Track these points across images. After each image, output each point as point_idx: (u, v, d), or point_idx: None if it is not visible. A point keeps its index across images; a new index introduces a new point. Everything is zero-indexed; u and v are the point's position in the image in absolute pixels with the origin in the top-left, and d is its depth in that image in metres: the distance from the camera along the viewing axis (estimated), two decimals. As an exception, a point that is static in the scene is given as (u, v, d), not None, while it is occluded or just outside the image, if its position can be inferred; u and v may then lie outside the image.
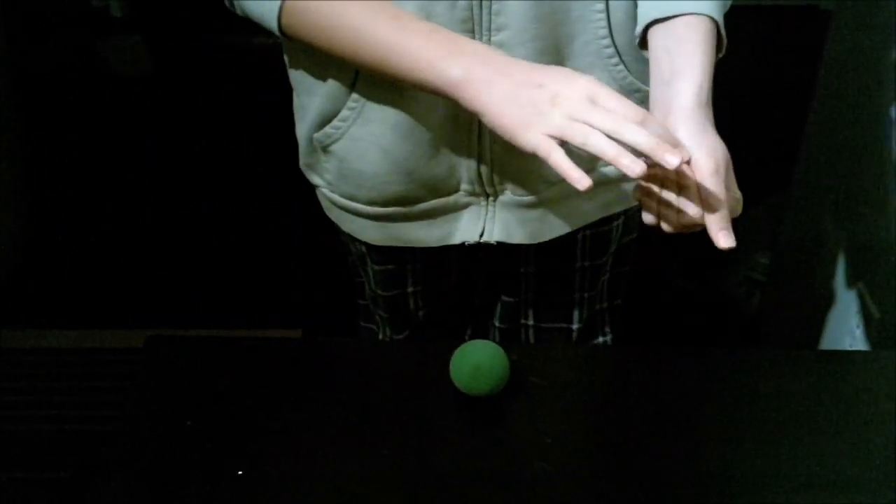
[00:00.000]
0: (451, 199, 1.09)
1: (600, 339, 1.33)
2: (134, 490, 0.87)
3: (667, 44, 0.89)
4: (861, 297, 1.49)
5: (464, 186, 1.08)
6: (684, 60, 0.88)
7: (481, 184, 1.07)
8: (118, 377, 2.00)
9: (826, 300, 1.63)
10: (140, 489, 0.87)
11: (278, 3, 0.92)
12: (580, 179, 0.81)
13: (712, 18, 0.89)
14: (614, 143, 0.80)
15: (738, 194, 0.85)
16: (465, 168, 1.05)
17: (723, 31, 0.91)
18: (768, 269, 2.06)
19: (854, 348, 1.50)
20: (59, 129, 2.81)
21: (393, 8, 0.90)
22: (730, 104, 2.96)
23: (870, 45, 1.51)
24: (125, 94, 2.96)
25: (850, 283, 1.54)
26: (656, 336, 2.14)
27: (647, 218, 0.89)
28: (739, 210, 0.85)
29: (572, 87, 0.83)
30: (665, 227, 0.87)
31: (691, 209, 0.82)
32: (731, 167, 0.85)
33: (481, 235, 1.11)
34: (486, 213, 1.10)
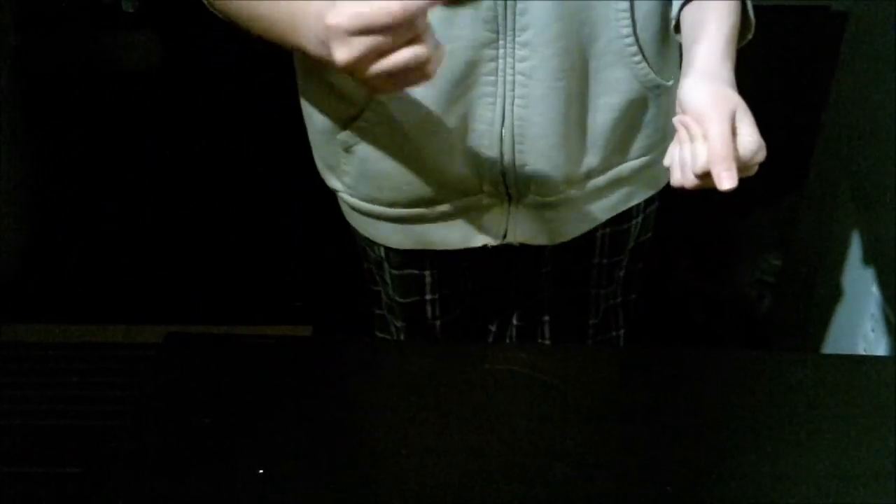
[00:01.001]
0: (474, 199, 1.09)
1: (613, 334, 1.34)
2: (150, 487, 0.87)
3: (693, 20, 0.91)
4: (875, 300, 1.49)
5: (486, 188, 1.07)
6: (704, 29, 0.90)
7: (504, 185, 1.07)
8: (129, 373, 2.01)
9: (839, 303, 1.63)
10: (157, 487, 0.87)
11: None
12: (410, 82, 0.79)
13: None
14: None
15: (756, 139, 0.83)
16: (488, 169, 1.05)
17: (750, 12, 0.92)
18: (779, 271, 2.06)
19: (868, 352, 1.49)
20: (69, 124, 2.81)
21: None
22: (748, 101, 2.94)
23: (886, 46, 1.51)
24: (135, 89, 2.96)
25: (864, 285, 1.54)
26: (666, 336, 2.13)
27: (674, 177, 0.87)
28: (761, 156, 0.83)
29: (331, 40, 0.78)
30: (684, 180, 0.85)
31: (700, 154, 0.82)
32: (746, 114, 0.84)
33: (504, 237, 1.11)
34: (509, 215, 1.10)
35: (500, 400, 0.97)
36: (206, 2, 0.99)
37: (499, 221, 1.10)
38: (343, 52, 0.77)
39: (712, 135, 0.81)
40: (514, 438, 0.94)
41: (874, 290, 1.50)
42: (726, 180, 0.79)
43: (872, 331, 1.49)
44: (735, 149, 0.81)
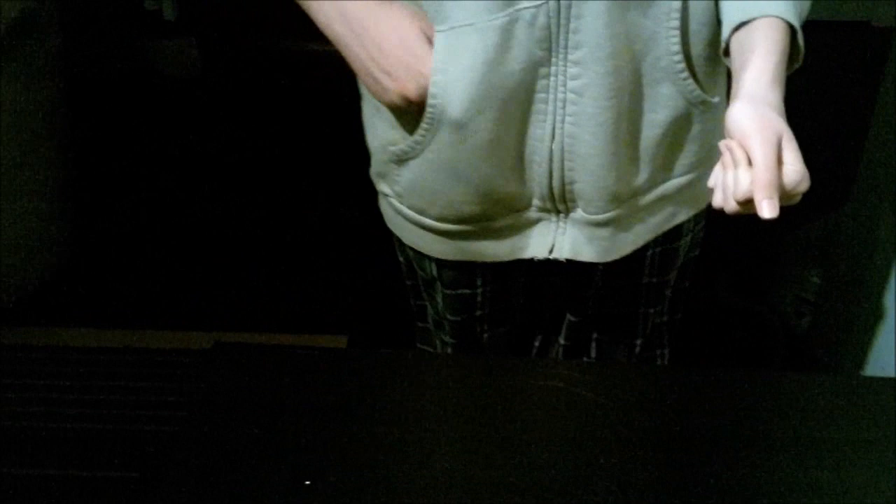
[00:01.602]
0: (523, 215, 1.09)
1: (658, 352, 1.33)
2: (201, 496, 0.88)
3: (741, 45, 0.91)
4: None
5: (535, 202, 1.08)
6: (753, 55, 0.89)
7: (552, 200, 1.07)
8: (174, 378, 2.02)
9: (880, 322, 1.61)
10: (207, 496, 0.88)
11: None
12: None
13: (786, 21, 0.90)
14: None
15: (801, 169, 0.82)
16: (538, 185, 1.05)
17: (800, 38, 0.92)
18: (820, 289, 2.04)
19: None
20: (113, 129, 2.84)
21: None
22: (789, 117, 2.92)
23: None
24: (176, 95, 2.99)
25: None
26: (704, 352, 2.12)
27: (716, 199, 0.86)
28: (804, 186, 0.82)
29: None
30: (725, 204, 0.84)
31: (743, 180, 0.81)
32: (791, 142, 0.83)
33: (551, 251, 1.11)
34: (557, 229, 1.10)
35: (542, 416, 0.97)
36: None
37: (546, 235, 1.11)
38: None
39: (756, 161, 0.80)
40: (555, 455, 0.94)
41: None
42: (767, 209, 0.79)
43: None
44: (779, 177, 0.80)
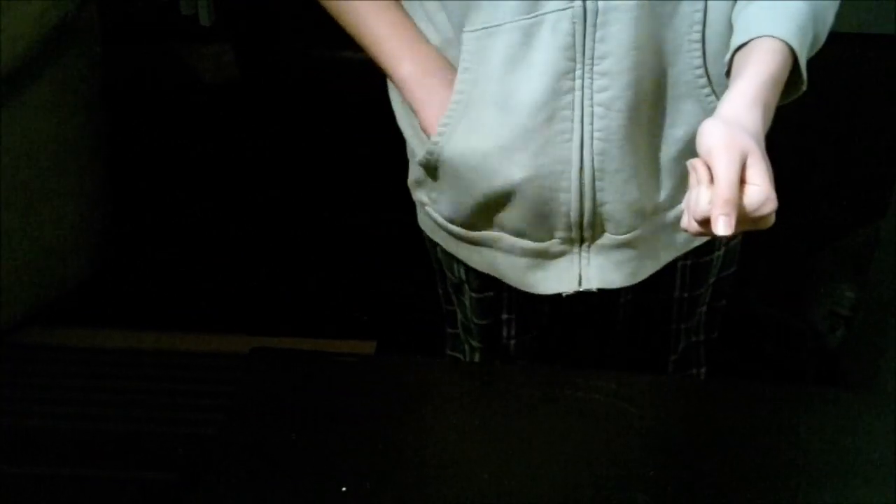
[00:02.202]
0: (544, 245, 1.08)
1: (694, 371, 1.32)
2: (237, 500, 0.89)
3: (739, 62, 0.90)
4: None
5: (558, 234, 1.07)
6: (740, 75, 0.88)
7: (580, 228, 1.05)
8: (211, 381, 2.03)
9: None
10: (244, 500, 0.89)
11: None
12: None
13: (785, 43, 0.89)
14: None
15: (765, 189, 0.80)
16: (563, 211, 1.04)
17: (801, 61, 0.90)
18: (854, 303, 2.02)
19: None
20: (147, 134, 2.87)
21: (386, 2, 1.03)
22: (819, 131, 2.93)
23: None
24: (212, 100, 3.01)
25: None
26: (734, 364, 2.11)
27: (682, 220, 0.85)
28: (768, 208, 0.80)
29: None
30: (689, 226, 0.83)
31: (703, 199, 0.79)
32: (758, 162, 0.81)
33: (580, 284, 1.10)
34: (581, 261, 1.09)
35: (575, 427, 0.97)
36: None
37: (570, 269, 1.10)
38: None
39: (717, 177, 0.78)
40: (588, 466, 0.94)
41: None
42: (722, 226, 0.77)
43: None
44: (740, 196, 0.78)
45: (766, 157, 0.82)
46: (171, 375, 2.08)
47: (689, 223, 0.82)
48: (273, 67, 3.09)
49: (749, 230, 0.82)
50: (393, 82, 1.06)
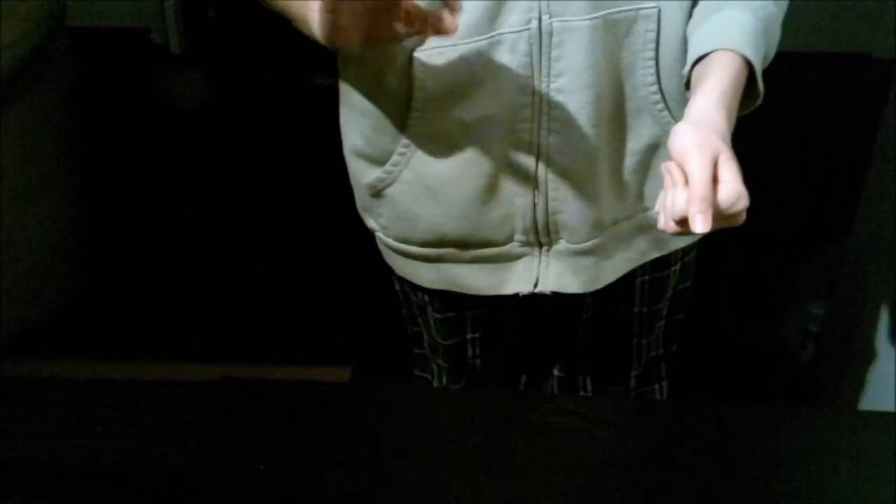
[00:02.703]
0: (505, 248, 1.11)
1: (655, 386, 1.34)
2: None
3: (697, 77, 0.93)
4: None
5: (517, 237, 1.09)
6: (702, 83, 0.91)
7: (536, 233, 1.08)
8: (180, 411, 2.02)
9: (880, 354, 1.62)
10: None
11: None
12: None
13: (744, 57, 0.91)
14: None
15: (737, 187, 0.82)
16: (520, 217, 1.07)
17: (758, 75, 0.93)
18: (824, 320, 2.04)
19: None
20: (122, 160, 2.87)
21: None
22: (786, 150, 2.97)
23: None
24: (184, 126, 3.02)
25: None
26: (708, 383, 2.12)
27: (659, 222, 0.87)
28: (741, 204, 0.83)
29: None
30: (665, 225, 0.85)
31: (679, 199, 0.81)
32: (729, 161, 0.83)
33: (535, 286, 1.13)
34: (540, 264, 1.12)
35: (547, 450, 0.98)
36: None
37: (530, 270, 1.12)
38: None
39: (691, 177, 0.81)
40: (560, 490, 0.94)
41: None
42: (700, 223, 0.79)
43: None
44: (714, 195, 0.81)
45: (735, 157, 0.84)
46: (142, 405, 2.06)
47: (666, 224, 0.84)
48: (243, 93, 3.10)
49: (723, 227, 0.84)
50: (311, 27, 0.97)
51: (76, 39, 2.41)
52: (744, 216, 0.84)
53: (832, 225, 2.08)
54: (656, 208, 0.86)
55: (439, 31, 0.84)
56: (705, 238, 1.17)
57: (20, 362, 2.13)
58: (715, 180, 0.82)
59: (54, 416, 2.01)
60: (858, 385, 1.70)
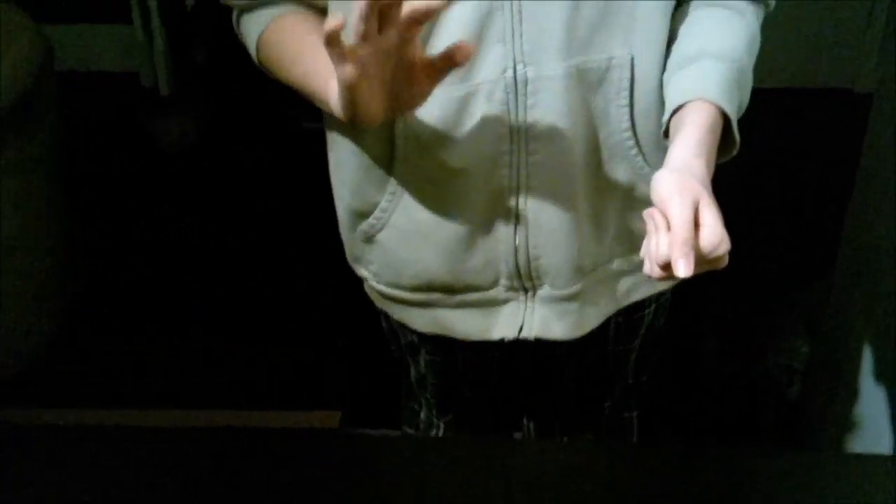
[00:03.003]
0: (491, 293, 1.12)
1: (626, 415, 1.37)
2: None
3: (675, 123, 0.96)
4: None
5: (503, 282, 1.11)
6: (680, 131, 0.93)
7: (519, 278, 1.10)
8: (163, 458, 1.99)
9: (866, 395, 1.63)
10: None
11: (259, 31, 1.03)
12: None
13: (718, 106, 0.94)
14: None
15: (718, 230, 0.84)
16: (504, 262, 1.09)
17: (733, 123, 0.96)
18: (809, 358, 2.06)
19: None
20: (110, 203, 2.87)
21: (315, 41, 0.95)
22: (770, 185, 2.99)
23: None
24: (173, 169, 3.03)
25: (893, 375, 1.54)
26: (696, 420, 2.13)
27: (644, 267, 0.88)
28: (723, 248, 0.85)
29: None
30: (651, 271, 0.86)
31: (662, 244, 0.83)
32: (710, 206, 0.85)
33: (520, 331, 1.14)
34: (525, 309, 1.13)
35: (531, 497, 0.98)
36: (256, 62, 1.08)
37: (515, 315, 1.14)
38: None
39: (673, 221, 0.83)
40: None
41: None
42: (682, 267, 0.80)
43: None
44: (696, 238, 0.82)
45: (715, 201, 0.86)
46: (129, 453, 2.04)
47: (651, 269, 0.85)
48: (232, 136, 3.12)
49: (706, 270, 0.86)
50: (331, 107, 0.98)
51: (65, 83, 2.44)
52: (726, 260, 0.86)
53: (818, 261, 2.11)
54: (641, 254, 0.88)
55: (455, 61, 0.85)
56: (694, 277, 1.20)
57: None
58: (696, 225, 0.84)
59: (34, 463, 2.00)
60: (844, 424, 1.70)
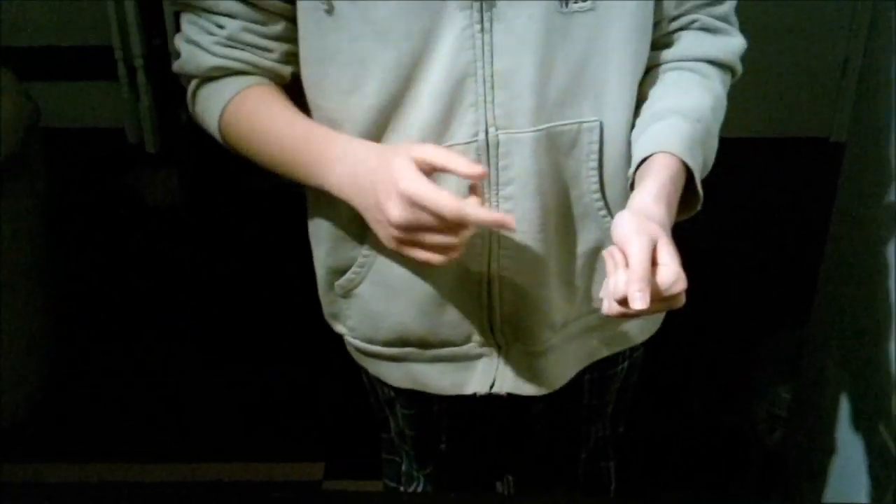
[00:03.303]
0: (464, 349, 1.14)
1: (602, 465, 1.38)
2: None
3: (641, 173, 0.98)
4: (886, 441, 1.49)
5: (476, 338, 1.12)
6: (643, 180, 0.96)
7: (492, 335, 1.11)
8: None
9: (849, 442, 1.63)
10: None
11: (221, 107, 1.03)
12: (434, 260, 0.92)
13: (681, 159, 0.97)
14: (443, 239, 0.90)
15: (675, 269, 0.87)
16: (476, 318, 1.10)
17: (697, 179, 0.99)
18: (789, 404, 2.07)
19: (880, 493, 1.49)
20: (93, 259, 2.88)
21: (290, 113, 1.00)
22: (747, 232, 3.01)
23: (885, 176, 1.54)
24: (159, 224, 3.04)
25: (874, 425, 1.55)
26: (678, 469, 2.13)
27: (603, 307, 0.90)
28: (679, 287, 0.87)
29: (390, 201, 0.90)
30: (609, 309, 0.88)
31: (620, 282, 0.85)
32: (667, 246, 0.88)
33: (492, 387, 1.15)
34: (497, 365, 1.14)
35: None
36: (218, 137, 1.07)
37: (488, 371, 1.15)
38: (397, 215, 0.90)
39: (630, 258, 0.85)
40: None
41: (882, 429, 1.51)
42: (638, 299, 0.83)
43: (883, 468, 1.49)
44: (653, 276, 0.85)
45: (673, 243, 0.88)
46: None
47: (609, 306, 0.87)
48: (216, 193, 3.14)
49: (663, 309, 0.88)
50: (328, 192, 1.02)
51: (50, 139, 2.45)
52: (683, 299, 0.89)
53: (797, 307, 2.12)
54: (601, 294, 0.90)
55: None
56: (672, 321, 1.22)
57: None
58: (655, 263, 0.86)
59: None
60: (824, 473, 1.71)
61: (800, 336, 2.05)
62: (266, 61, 1.02)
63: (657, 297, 0.85)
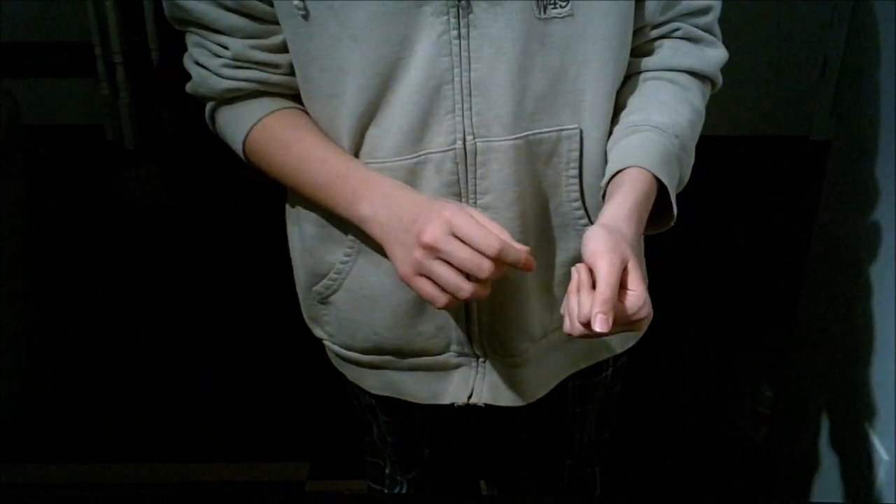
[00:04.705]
0: (442, 358, 1.13)
1: (588, 470, 1.37)
2: None
3: (613, 187, 0.97)
4: (868, 437, 1.50)
5: (454, 347, 1.11)
6: (614, 194, 0.95)
7: (470, 345, 1.10)
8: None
9: (832, 440, 1.64)
10: None
11: (244, 133, 1.03)
12: (438, 299, 0.92)
13: (653, 174, 0.96)
14: (457, 278, 0.89)
15: (641, 294, 0.86)
16: (454, 328, 1.09)
17: (671, 195, 0.98)
18: (773, 402, 2.08)
19: (864, 490, 1.50)
20: (76, 258, 2.86)
21: (324, 145, 1.00)
22: (730, 231, 3.02)
23: (866, 174, 1.54)
24: (140, 223, 3.02)
25: (856, 423, 1.56)
26: (663, 469, 2.14)
27: (564, 325, 0.89)
28: (644, 312, 0.87)
29: (431, 223, 0.90)
30: (571, 329, 0.87)
31: (585, 304, 0.84)
32: (636, 270, 0.87)
33: (469, 397, 1.14)
34: (476, 375, 1.13)
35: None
36: (239, 153, 1.07)
37: (466, 381, 1.14)
38: (430, 235, 0.89)
39: (599, 278, 0.84)
40: None
41: (867, 427, 1.52)
42: (600, 322, 0.82)
43: (868, 468, 1.50)
44: (619, 299, 0.85)
45: (642, 264, 0.88)
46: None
47: (572, 326, 0.86)
48: (196, 191, 3.12)
49: (624, 332, 0.88)
50: (354, 223, 1.01)
51: (30, 138, 2.43)
52: (646, 325, 0.89)
53: (779, 305, 2.13)
54: (561, 311, 0.89)
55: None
56: (655, 321, 1.21)
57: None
58: (622, 286, 0.86)
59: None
60: (810, 471, 1.72)
61: (781, 334, 2.06)
62: (276, 77, 1.02)
63: (620, 319, 0.85)
